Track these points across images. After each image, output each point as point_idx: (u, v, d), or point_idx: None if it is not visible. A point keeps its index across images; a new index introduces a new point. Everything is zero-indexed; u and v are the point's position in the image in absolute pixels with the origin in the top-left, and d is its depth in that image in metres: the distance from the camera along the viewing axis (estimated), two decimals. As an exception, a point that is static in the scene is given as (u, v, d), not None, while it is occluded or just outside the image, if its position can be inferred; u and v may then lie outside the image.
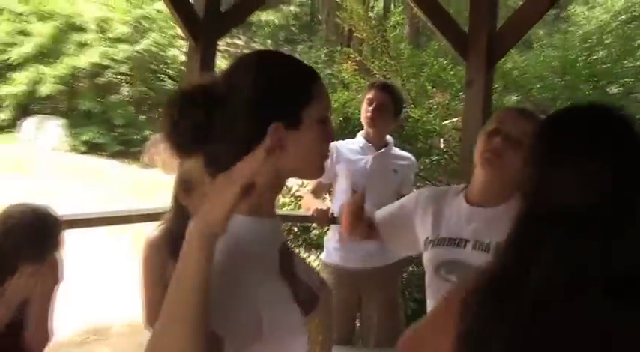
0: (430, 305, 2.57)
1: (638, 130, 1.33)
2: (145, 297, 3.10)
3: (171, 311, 1.20)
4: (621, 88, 8.47)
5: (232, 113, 1.40)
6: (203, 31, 4.58)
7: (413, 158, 4.54)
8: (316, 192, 4.59)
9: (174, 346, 1.18)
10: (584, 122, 1.35)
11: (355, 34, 8.63)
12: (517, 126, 2.44)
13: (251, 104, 1.40)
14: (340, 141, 4.54)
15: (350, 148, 4.44)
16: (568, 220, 1.26)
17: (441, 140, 7.30)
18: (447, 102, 7.38)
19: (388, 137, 4.48)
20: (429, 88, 7.64)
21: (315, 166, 1.51)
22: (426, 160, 6.76)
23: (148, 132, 19.11)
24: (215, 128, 1.40)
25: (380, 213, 2.93)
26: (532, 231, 1.31)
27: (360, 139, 4.46)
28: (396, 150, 4.51)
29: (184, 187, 3.08)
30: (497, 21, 4.78)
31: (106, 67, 19.86)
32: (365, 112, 4.35)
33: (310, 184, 4.75)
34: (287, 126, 1.42)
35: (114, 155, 18.77)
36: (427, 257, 2.60)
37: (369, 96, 4.33)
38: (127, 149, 18.99)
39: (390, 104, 4.31)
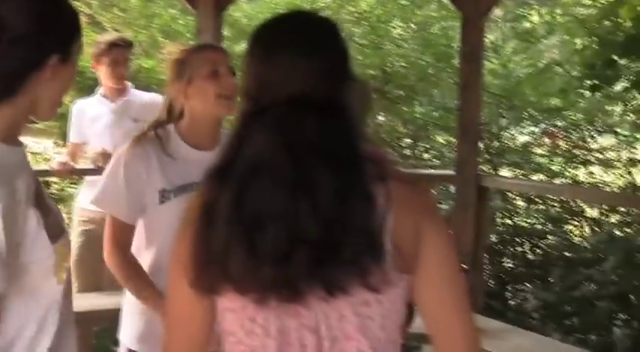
0: None
1: (340, 30, 1.48)
2: None
3: None
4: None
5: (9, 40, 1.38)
6: None
7: (158, 97, 4.19)
8: (74, 154, 4.53)
9: None
10: (294, 24, 1.48)
11: (83, -13, 8.36)
12: (227, 61, 2.52)
13: (29, 33, 1.39)
14: (81, 101, 4.60)
15: (90, 107, 4.50)
16: (283, 106, 1.36)
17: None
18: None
19: (127, 83, 4.53)
20: (160, 38, 7.61)
21: (58, 105, 1.53)
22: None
23: None
24: None
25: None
26: (251, 119, 1.38)
27: (97, 97, 4.52)
28: (138, 95, 4.56)
29: None
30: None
31: None
32: (112, 73, 4.39)
33: (68, 147, 4.74)
34: (61, 59, 1.45)
35: None
36: (170, 207, 2.42)
37: (112, 57, 4.36)
38: None
39: (128, 57, 4.50)
